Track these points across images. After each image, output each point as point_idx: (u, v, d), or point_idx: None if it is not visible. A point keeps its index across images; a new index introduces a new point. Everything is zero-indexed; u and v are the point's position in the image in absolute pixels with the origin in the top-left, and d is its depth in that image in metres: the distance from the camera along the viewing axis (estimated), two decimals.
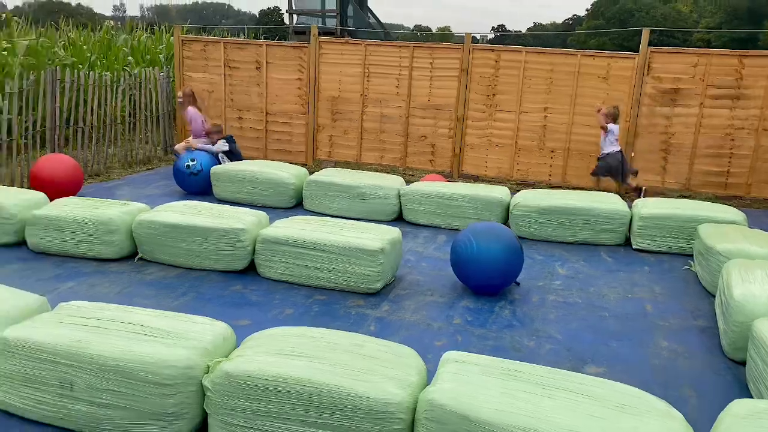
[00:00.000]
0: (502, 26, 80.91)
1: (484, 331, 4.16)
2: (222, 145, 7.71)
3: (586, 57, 8.23)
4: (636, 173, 7.87)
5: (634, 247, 6.02)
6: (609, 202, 6.24)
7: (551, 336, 4.13)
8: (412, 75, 8.74)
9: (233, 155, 7.81)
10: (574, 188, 8.25)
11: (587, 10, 59.20)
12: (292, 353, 2.81)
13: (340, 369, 2.71)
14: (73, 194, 6.53)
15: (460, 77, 8.55)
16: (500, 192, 6.50)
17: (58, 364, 2.85)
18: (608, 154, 7.59)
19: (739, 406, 2.52)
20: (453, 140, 8.75)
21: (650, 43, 8.00)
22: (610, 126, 7.50)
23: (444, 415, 2.52)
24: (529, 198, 6.28)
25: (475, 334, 4.12)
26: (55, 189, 6.26)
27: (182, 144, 7.86)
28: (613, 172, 7.63)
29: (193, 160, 7.33)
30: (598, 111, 7.58)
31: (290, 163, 8.44)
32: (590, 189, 8.10)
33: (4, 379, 2.93)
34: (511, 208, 6.28)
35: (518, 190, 7.68)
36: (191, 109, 8.06)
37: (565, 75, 8.26)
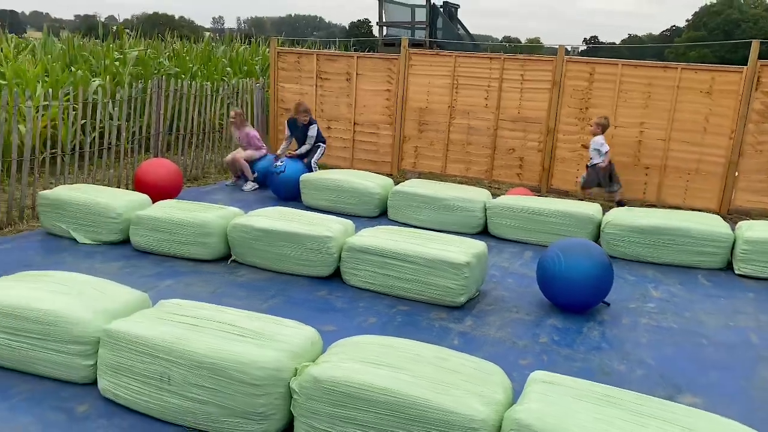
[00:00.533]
0: (594, 38, 78.72)
1: (571, 352, 4.03)
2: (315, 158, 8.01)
3: (687, 70, 7.85)
4: (619, 188, 7.74)
5: (736, 272, 5.66)
6: (709, 223, 5.90)
7: (643, 361, 3.95)
8: (501, 87, 8.65)
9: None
10: (670, 207, 7.87)
11: (687, 21, 56.49)
12: (377, 362, 2.84)
13: (425, 381, 2.71)
14: (174, 197, 6.89)
15: (552, 90, 8.37)
16: (592, 209, 6.29)
17: (157, 358, 3.01)
18: (594, 165, 7.55)
19: None
20: (542, 153, 8.57)
21: (759, 56, 7.53)
22: (593, 138, 7.53)
23: None
24: (622, 216, 6.05)
25: (562, 354, 4.00)
26: (157, 191, 6.63)
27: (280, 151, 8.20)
28: (601, 183, 7.68)
29: (281, 163, 7.66)
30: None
31: (376, 172, 8.56)
32: (685, 208, 7.70)
33: (109, 369, 3.12)
34: (602, 225, 6.07)
35: (610, 208, 7.43)
36: (249, 129, 8.41)
37: (664, 89, 7.91)
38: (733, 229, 5.93)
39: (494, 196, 7.19)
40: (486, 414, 2.57)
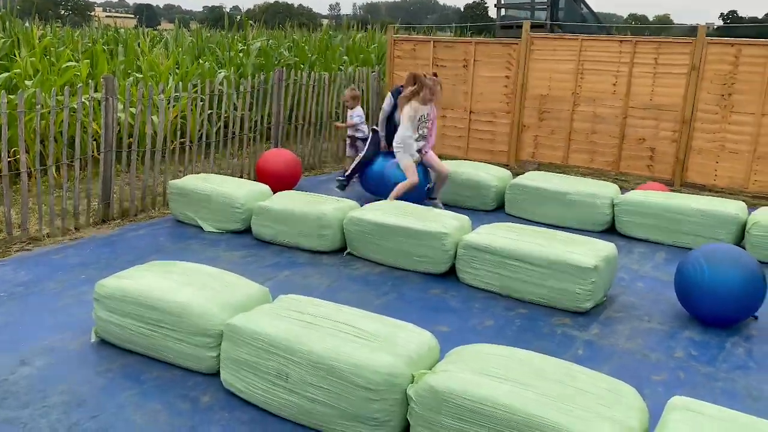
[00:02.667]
0: (732, 12, 72.04)
1: (712, 370, 3.64)
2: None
3: None
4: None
5: None
6: None
7: None
8: (632, 72, 8.05)
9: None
10: None
11: None
12: (498, 375, 2.68)
13: (550, 401, 2.52)
14: (292, 187, 7.05)
15: (690, 74, 7.67)
16: (735, 207, 5.69)
17: (275, 355, 3.03)
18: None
19: None
20: (677, 144, 7.90)
21: None
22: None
23: None
24: None
25: (701, 372, 3.62)
26: (277, 181, 6.81)
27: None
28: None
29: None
30: None
31: (492, 163, 8.30)
32: None
33: (231, 362, 3.19)
34: (748, 226, 5.46)
35: (755, 205, 6.71)
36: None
37: None
38: None
39: (623, 190, 6.71)
40: None
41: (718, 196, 6.98)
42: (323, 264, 5.16)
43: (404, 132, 5.97)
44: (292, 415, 3.01)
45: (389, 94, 6.96)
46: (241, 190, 5.89)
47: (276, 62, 11.77)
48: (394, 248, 5.02)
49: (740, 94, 7.45)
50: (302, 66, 12.06)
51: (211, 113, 8.00)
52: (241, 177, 7.69)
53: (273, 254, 5.36)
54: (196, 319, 3.30)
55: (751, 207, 6.38)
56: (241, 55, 11.37)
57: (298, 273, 4.96)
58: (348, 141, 8.07)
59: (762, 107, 7.34)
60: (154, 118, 7.49)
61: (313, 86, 8.90)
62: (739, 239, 5.59)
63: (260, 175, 7.07)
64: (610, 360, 3.72)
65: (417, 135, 6.08)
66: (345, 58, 13.67)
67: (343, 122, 8.40)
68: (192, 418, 3.03)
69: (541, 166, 8.73)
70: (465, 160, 8.76)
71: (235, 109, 7.96)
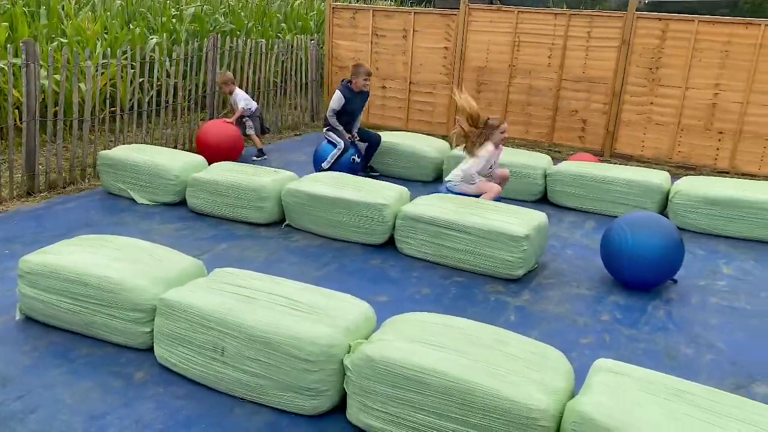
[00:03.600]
0: None
1: (634, 332, 3.85)
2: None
3: None
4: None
5: None
6: None
7: (713, 345, 3.74)
8: (566, 45, 8.21)
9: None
10: (743, 175, 7.41)
11: None
12: (433, 343, 2.75)
13: (483, 366, 2.61)
14: (235, 159, 6.92)
15: (620, 48, 7.90)
16: (660, 177, 5.95)
17: (210, 329, 3.00)
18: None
19: None
20: (607, 116, 8.15)
21: None
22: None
23: (594, 429, 2.34)
24: (692, 185, 5.70)
25: (625, 334, 3.82)
26: (218, 154, 6.67)
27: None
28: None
29: (356, 159, 6.59)
30: None
31: (431, 134, 8.36)
32: (761, 177, 7.25)
33: (165, 337, 3.15)
34: (671, 195, 5.74)
35: (678, 174, 7.05)
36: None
37: (745, 48, 7.33)
38: None
39: (555, 160, 6.91)
40: (547, 404, 2.46)
41: (644, 166, 7.29)
42: (261, 236, 5.12)
43: (470, 172, 5.38)
44: (229, 388, 3.01)
45: (337, 91, 6.59)
46: (176, 161, 5.73)
47: (211, 29, 11.38)
48: (334, 220, 5.02)
49: (667, 68, 7.74)
50: (238, 33, 11.71)
51: (143, 81, 7.70)
52: (176, 147, 7.48)
53: (209, 227, 5.27)
54: (128, 293, 3.23)
55: (675, 176, 6.69)
56: (174, 20, 10.92)
57: (235, 246, 4.90)
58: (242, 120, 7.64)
59: (686, 81, 7.65)
60: (82, 85, 7.15)
61: (250, 54, 8.68)
62: (663, 207, 5.87)
63: (200, 148, 6.90)
64: (540, 325, 3.87)
65: (481, 177, 5.51)
66: (283, 25, 13.35)
67: (229, 114, 7.82)
68: (125, 395, 2.98)
69: None
70: (405, 131, 8.79)
71: (168, 76, 7.69)
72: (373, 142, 6.90)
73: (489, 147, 5.47)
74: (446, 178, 5.65)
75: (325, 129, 6.66)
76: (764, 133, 7.43)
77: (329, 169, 6.32)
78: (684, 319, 4.03)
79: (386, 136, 7.26)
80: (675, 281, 4.51)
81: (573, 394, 2.65)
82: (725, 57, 7.45)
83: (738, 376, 3.42)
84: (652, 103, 7.90)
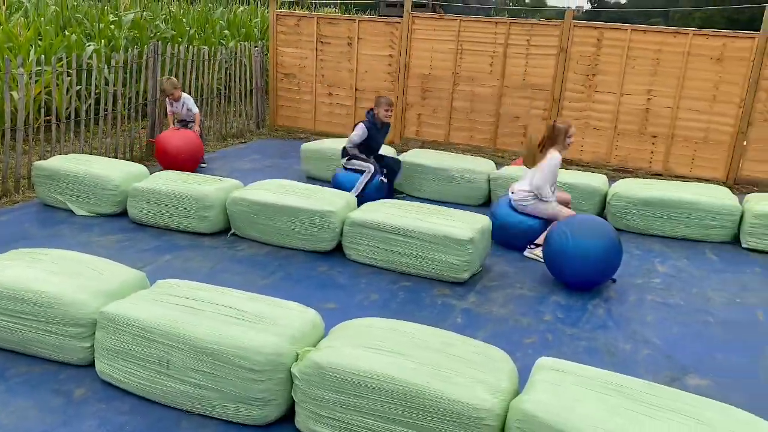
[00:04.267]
0: None
1: (576, 331, 3.97)
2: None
3: (698, 36, 7.62)
4: None
5: (743, 245, 5.58)
6: (717, 195, 5.80)
7: (649, 341, 3.90)
8: (507, 53, 8.42)
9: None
10: (676, 177, 7.75)
11: None
12: (381, 348, 2.77)
13: (430, 369, 2.65)
14: (194, 169, 6.85)
15: (558, 56, 8.15)
16: (598, 180, 6.17)
17: (154, 342, 2.94)
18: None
19: None
20: (547, 122, 8.38)
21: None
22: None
23: (537, 427, 2.41)
24: (628, 187, 5.94)
25: (567, 333, 3.94)
26: (176, 162, 6.57)
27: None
28: None
29: (384, 180, 6.13)
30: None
31: None
32: (692, 178, 7.60)
33: (106, 352, 3.06)
34: (609, 198, 5.96)
35: (615, 177, 7.31)
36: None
37: (674, 55, 7.69)
38: (740, 202, 5.82)
39: (498, 165, 7.06)
40: (492, 403, 2.52)
41: (584, 170, 7.54)
42: (206, 246, 5.04)
43: (539, 184, 4.94)
44: (175, 401, 2.95)
45: (362, 125, 6.10)
46: (116, 171, 5.58)
47: (152, 35, 11.15)
48: (280, 227, 4.99)
49: (603, 74, 8.03)
50: (180, 40, 11.52)
51: (80, 89, 7.48)
52: (116, 157, 7.28)
53: (152, 237, 5.15)
54: (67, 308, 3.13)
55: (612, 179, 6.94)
56: (112, 27, 10.65)
57: (179, 256, 4.81)
58: (179, 126, 7.27)
59: (621, 87, 7.96)
60: (14, 93, 6.89)
61: (192, 61, 8.54)
62: (602, 209, 6.08)
63: (160, 155, 6.76)
64: (486, 326, 3.95)
65: (553, 194, 5.10)
66: (226, 32, 13.20)
67: (173, 123, 7.31)
68: (65, 413, 2.88)
69: (424, 144, 8.97)
70: None
71: (107, 84, 7.48)
72: (394, 168, 6.42)
73: (554, 154, 4.88)
74: (512, 197, 5.09)
75: (344, 160, 6.19)
76: (693, 137, 7.80)
77: (359, 196, 5.79)
78: (622, 317, 4.19)
79: (333, 143, 7.27)
80: (614, 280, 4.68)
81: (517, 393, 2.71)
82: (656, 64, 7.79)
83: (673, 370, 3.58)
84: (589, 109, 8.18)
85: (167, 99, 7.33)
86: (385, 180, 6.13)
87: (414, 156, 6.87)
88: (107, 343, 3.05)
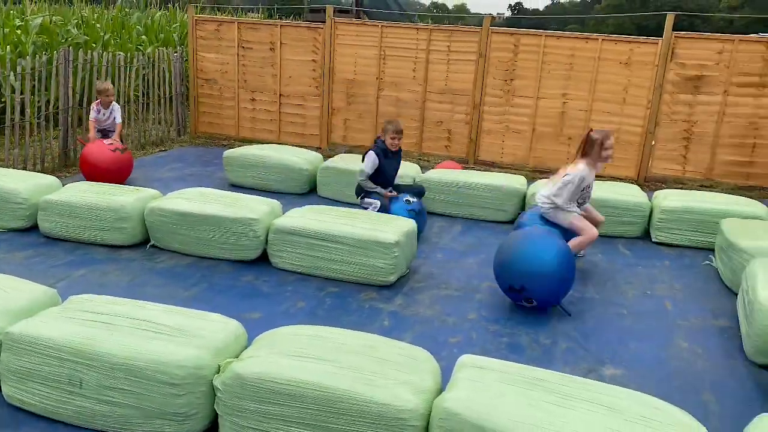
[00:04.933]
0: (519, 4, 79.54)
1: (498, 328, 4.08)
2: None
3: (607, 42, 8.01)
4: None
5: (653, 240, 5.89)
6: (628, 193, 6.10)
7: (567, 334, 4.05)
8: (429, 58, 8.56)
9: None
10: None
11: None
12: (304, 355, 2.75)
13: (354, 373, 2.65)
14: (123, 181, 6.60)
15: (478, 61, 8.37)
16: (518, 182, 6.37)
17: (65, 361, 2.81)
18: None
19: (766, 423, 2.43)
20: (469, 126, 8.59)
21: (674, 28, 7.76)
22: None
23: (459, 424, 2.45)
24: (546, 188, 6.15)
25: (490, 330, 4.04)
26: (106, 176, 6.28)
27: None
28: None
29: (410, 199, 5.55)
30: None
31: (304, 146, 8.37)
32: (606, 177, 7.96)
33: (13, 374, 2.89)
34: (528, 198, 6.15)
35: (534, 178, 7.56)
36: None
37: (586, 60, 8.05)
38: (649, 198, 6.14)
39: (423, 169, 7.17)
40: (415, 403, 2.54)
41: (504, 172, 7.76)
42: (124, 259, 4.85)
43: (554, 197, 4.73)
44: (90, 421, 2.83)
45: (371, 152, 5.53)
46: (24, 183, 5.30)
47: (63, 40, 10.66)
48: (202, 237, 4.87)
49: (520, 79, 8.30)
50: (94, 45, 11.06)
51: None
52: (26, 169, 6.91)
53: (65, 252, 4.91)
54: None
55: (531, 180, 7.17)
56: (18, 32, 10.10)
57: (95, 270, 4.61)
58: (100, 135, 6.91)
59: (538, 91, 8.25)
60: None
61: (107, 67, 8.22)
62: (521, 209, 6.27)
63: (86, 170, 6.44)
64: (413, 328, 3.99)
65: (572, 205, 4.84)
66: (144, 37, 12.79)
67: (86, 135, 6.99)
68: None
69: (352, 149, 8.99)
70: (277, 144, 8.72)
71: (14, 92, 7.09)
72: (420, 190, 5.88)
73: (580, 166, 4.53)
74: (538, 200, 4.91)
75: (359, 198, 5.67)
76: None
77: None
78: (542, 312, 4.33)
79: (257, 149, 7.17)
80: (569, 314, 4.32)
81: (441, 392, 2.75)
82: (570, 69, 8.12)
83: (590, 361, 3.73)
84: (508, 113, 8.43)
85: (94, 105, 6.92)
86: (412, 200, 5.50)
87: (341, 161, 6.87)
88: (14, 365, 2.89)
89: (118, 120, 6.98)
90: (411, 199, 5.51)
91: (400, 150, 5.75)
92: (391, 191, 5.57)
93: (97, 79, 7.71)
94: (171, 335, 2.87)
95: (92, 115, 6.93)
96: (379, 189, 5.54)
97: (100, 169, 6.37)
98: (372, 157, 5.51)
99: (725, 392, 3.46)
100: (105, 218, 4.97)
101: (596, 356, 3.78)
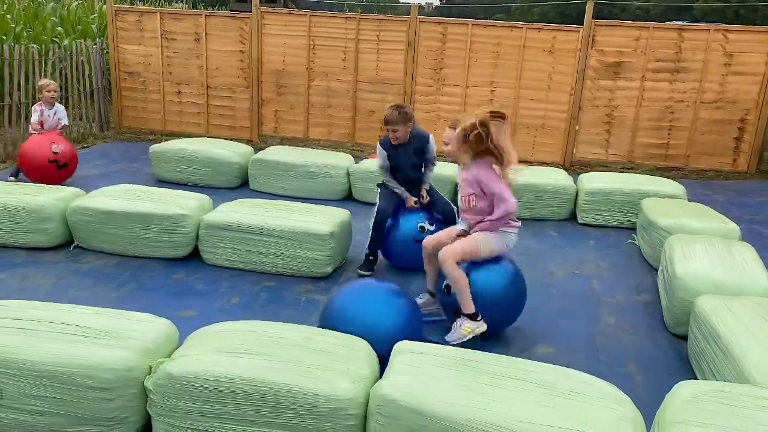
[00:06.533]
0: None
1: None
2: None
3: (531, 30, 8.22)
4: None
5: (579, 221, 6.12)
6: (555, 177, 6.30)
7: None
8: (358, 48, 8.55)
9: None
10: (520, 162, 8.27)
11: None
12: (239, 351, 2.70)
13: (290, 366, 2.63)
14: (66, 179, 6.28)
15: (408, 51, 8.41)
16: (449, 169, 6.45)
17: None
18: None
19: (684, 389, 2.57)
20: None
21: (594, 16, 8.05)
22: None
23: (397, 410, 2.47)
24: None
25: (425, 316, 4.08)
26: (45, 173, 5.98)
27: None
28: None
29: (427, 226, 4.58)
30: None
31: (235, 139, 8.20)
32: (534, 162, 8.19)
33: None
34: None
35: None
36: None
37: (511, 48, 8.24)
38: (575, 182, 6.37)
39: (357, 159, 7.16)
40: (353, 392, 2.55)
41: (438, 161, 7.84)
42: (46, 262, 4.63)
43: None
44: None
45: (378, 146, 4.76)
46: None
47: None
48: (130, 236, 4.70)
49: (449, 68, 8.41)
50: (5, 38, 10.46)
51: None
52: None
53: None
54: None
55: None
56: None
57: (15, 275, 4.38)
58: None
59: (467, 80, 8.39)
60: None
61: (20, 61, 7.79)
62: (453, 194, 6.36)
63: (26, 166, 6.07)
64: None
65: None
66: (59, 29, 12.18)
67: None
68: None
69: (283, 141, 8.88)
70: (206, 137, 8.52)
71: None
72: (448, 218, 4.69)
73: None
74: None
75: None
76: (534, 124, 8.41)
77: (370, 246, 4.64)
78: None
79: (185, 143, 6.98)
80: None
81: (378, 380, 2.77)
82: (497, 57, 8.29)
83: (523, 341, 3.84)
84: (439, 102, 8.54)
85: (37, 106, 6.40)
86: (429, 227, 4.57)
87: (272, 153, 6.78)
88: None
89: (65, 122, 6.58)
90: (427, 227, 4.54)
91: (420, 139, 4.72)
92: (417, 202, 4.66)
93: (11, 73, 7.27)
94: (97, 338, 2.76)
95: (35, 118, 6.36)
96: (400, 190, 4.67)
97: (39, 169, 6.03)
98: (378, 149, 4.75)
99: (649, 363, 3.64)
100: (23, 219, 4.73)
101: (529, 336, 3.90)
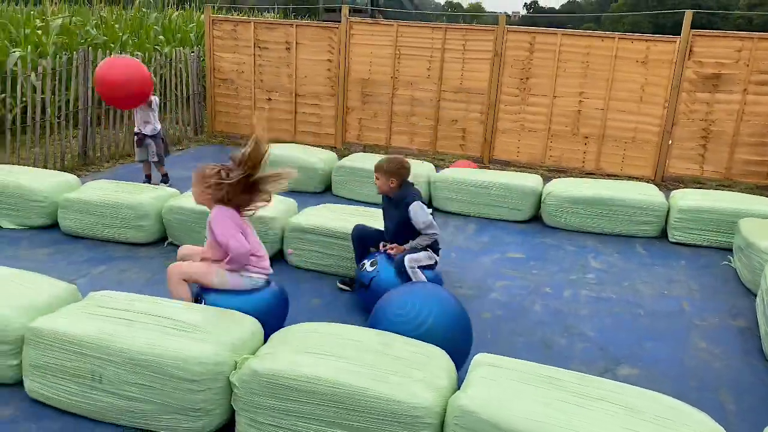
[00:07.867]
0: (534, 2, 79.17)
1: (514, 326, 4.08)
2: None
3: (624, 40, 7.95)
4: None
5: (670, 240, 5.85)
6: (645, 192, 6.06)
7: (583, 333, 4.03)
8: (444, 57, 8.56)
9: None
10: (608, 176, 8.05)
11: None
12: (319, 352, 2.77)
13: (369, 370, 2.66)
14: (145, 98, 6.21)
15: (493, 60, 8.35)
16: (533, 181, 6.35)
17: (86, 357, 2.85)
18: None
19: None
20: (484, 125, 8.58)
21: (692, 26, 7.69)
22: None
23: (475, 422, 2.46)
24: (561, 187, 6.13)
25: (506, 329, 4.04)
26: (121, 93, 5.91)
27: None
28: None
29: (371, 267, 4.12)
30: None
31: (319, 145, 8.40)
32: (623, 177, 7.90)
33: (35, 369, 2.95)
34: (543, 197, 6.13)
35: (550, 177, 7.53)
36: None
37: (602, 59, 8.00)
38: (667, 198, 6.10)
39: (438, 168, 7.17)
40: (430, 401, 2.55)
41: (520, 171, 7.74)
42: (142, 257, 4.91)
43: None
44: (110, 416, 2.87)
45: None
46: (44, 182, 5.38)
47: (82, 41, 10.80)
48: None
49: (536, 78, 8.27)
50: (112, 46, 11.20)
51: (5, 97, 7.17)
52: (46, 167, 7.01)
53: (85, 249, 4.99)
54: None
55: (547, 179, 7.15)
56: (39, 32, 10.25)
57: (114, 268, 4.67)
58: (135, 138, 6.65)
59: (554, 90, 8.21)
60: None
61: None
62: (537, 209, 6.25)
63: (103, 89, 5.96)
64: None
65: None
66: (161, 37, 12.91)
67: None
68: None
69: (366, 148, 9.01)
70: (293, 143, 8.77)
71: (35, 92, 7.20)
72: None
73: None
74: None
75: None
76: (623, 137, 8.12)
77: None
78: (558, 312, 4.32)
79: (273, 148, 7.18)
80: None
81: (456, 391, 2.76)
82: (586, 67, 8.08)
83: (606, 361, 3.72)
84: (524, 112, 8.40)
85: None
86: (370, 268, 4.09)
87: (355, 160, 6.90)
88: (36, 360, 2.94)
89: (158, 126, 6.69)
90: (369, 267, 4.09)
91: (404, 205, 4.14)
92: (384, 246, 4.21)
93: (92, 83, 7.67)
94: (189, 331, 2.91)
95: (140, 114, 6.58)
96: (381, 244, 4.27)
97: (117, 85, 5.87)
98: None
99: (743, 392, 3.43)
100: (124, 216, 5.04)
101: (613, 356, 3.77)
